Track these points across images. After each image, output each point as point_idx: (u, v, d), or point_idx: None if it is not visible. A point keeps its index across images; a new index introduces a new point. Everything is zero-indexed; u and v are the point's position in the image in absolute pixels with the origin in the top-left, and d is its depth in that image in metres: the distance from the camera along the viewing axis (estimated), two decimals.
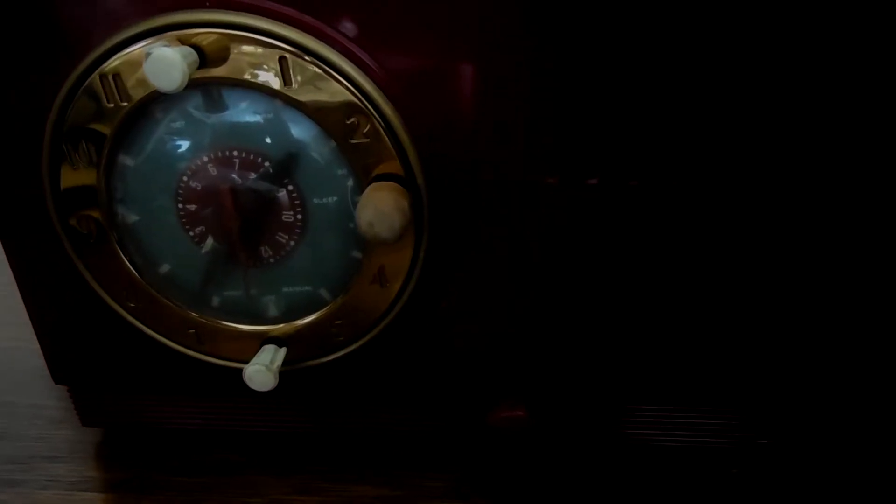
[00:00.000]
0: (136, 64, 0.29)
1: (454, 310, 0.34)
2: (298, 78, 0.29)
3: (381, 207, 0.28)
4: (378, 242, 0.28)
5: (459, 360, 0.36)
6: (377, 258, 0.32)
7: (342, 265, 0.33)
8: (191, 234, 0.33)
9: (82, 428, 0.41)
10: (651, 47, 0.28)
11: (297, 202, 0.32)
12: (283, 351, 0.34)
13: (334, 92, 0.29)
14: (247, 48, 0.29)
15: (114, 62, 0.29)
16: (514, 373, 0.36)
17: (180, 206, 0.32)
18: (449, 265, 0.33)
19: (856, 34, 0.27)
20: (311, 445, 0.40)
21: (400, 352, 0.35)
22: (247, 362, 0.33)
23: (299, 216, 0.32)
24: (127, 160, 0.32)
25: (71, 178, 0.32)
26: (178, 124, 0.31)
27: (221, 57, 0.29)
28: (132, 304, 0.35)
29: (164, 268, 0.34)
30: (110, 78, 0.29)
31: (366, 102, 0.29)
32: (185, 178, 0.32)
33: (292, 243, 0.33)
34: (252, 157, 0.31)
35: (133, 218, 0.33)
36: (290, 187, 0.31)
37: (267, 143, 0.31)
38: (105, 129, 0.30)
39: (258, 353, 0.34)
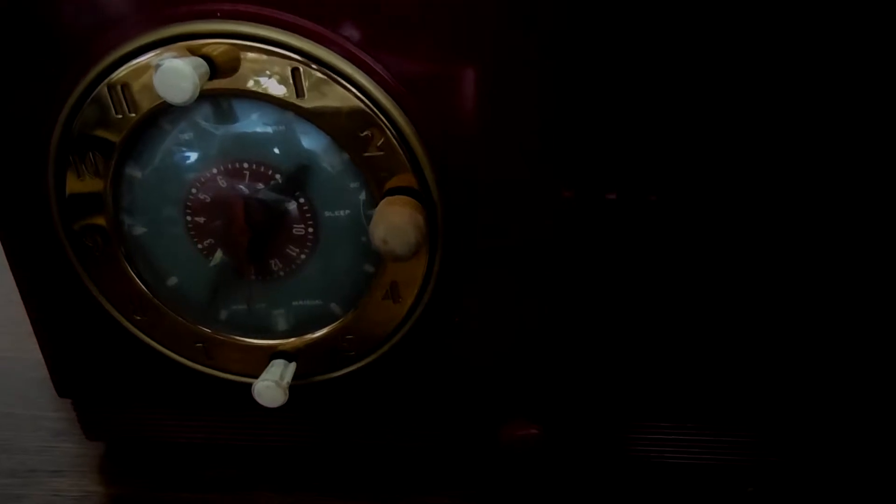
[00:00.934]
0: (144, 74, 0.28)
1: (467, 325, 0.33)
2: (311, 89, 0.28)
3: (395, 223, 0.27)
4: (392, 258, 0.28)
5: (471, 376, 0.35)
6: (390, 273, 0.31)
7: (354, 279, 0.32)
8: (199, 246, 0.32)
9: (84, 440, 0.41)
10: (673, 64, 0.27)
11: (308, 215, 0.31)
12: (292, 366, 0.33)
13: (347, 103, 0.28)
14: (257, 58, 0.28)
15: (122, 72, 0.28)
16: (528, 389, 0.35)
17: (189, 218, 0.32)
18: (463, 280, 0.32)
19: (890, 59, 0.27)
20: (315, 461, 0.39)
21: (411, 367, 0.35)
22: (255, 377, 0.32)
23: (311, 229, 0.31)
24: (134, 171, 0.31)
25: (77, 188, 0.31)
26: (187, 135, 0.30)
27: (232, 67, 0.28)
28: (139, 317, 0.34)
29: (172, 280, 0.33)
30: (118, 88, 0.29)
31: (379, 114, 0.29)
32: (193, 190, 0.31)
33: (303, 256, 0.32)
34: (263, 168, 0.30)
35: (140, 230, 0.32)
36: (302, 200, 0.31)
37: (278, 154, 0.30)
38: (113, 140, 0.30)
39: (267, 369, 0.33)
